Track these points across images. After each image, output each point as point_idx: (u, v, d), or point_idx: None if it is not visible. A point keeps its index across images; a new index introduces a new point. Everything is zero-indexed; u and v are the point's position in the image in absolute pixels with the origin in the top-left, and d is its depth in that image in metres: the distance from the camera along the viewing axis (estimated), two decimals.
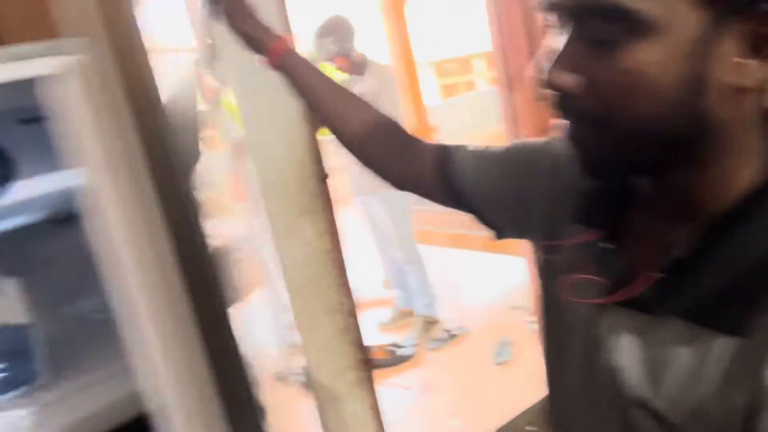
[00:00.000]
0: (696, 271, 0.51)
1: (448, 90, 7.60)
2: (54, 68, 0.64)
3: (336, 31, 3.12)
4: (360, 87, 3.18)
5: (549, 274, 0.70)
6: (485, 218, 0.82)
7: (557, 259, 0.67)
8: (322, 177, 1.77)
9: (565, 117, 0.54)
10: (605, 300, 0.58)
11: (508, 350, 2.99)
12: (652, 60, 0.47)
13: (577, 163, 0.55)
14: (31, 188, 1.27)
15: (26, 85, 0.89)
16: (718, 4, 0.46)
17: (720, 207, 0.52)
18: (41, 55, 0.88)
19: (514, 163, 0.77)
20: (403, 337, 3.32)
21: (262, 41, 0.93)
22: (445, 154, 0.83)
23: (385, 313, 3.65)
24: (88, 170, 0.58)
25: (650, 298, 0.54)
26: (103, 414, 0.95)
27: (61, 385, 1.07)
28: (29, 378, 1.07)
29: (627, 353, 0.56)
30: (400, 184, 0.91)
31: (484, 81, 7.86)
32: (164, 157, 0.41)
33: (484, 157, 0.81)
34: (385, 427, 1.90)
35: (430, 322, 3.38)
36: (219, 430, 0.51)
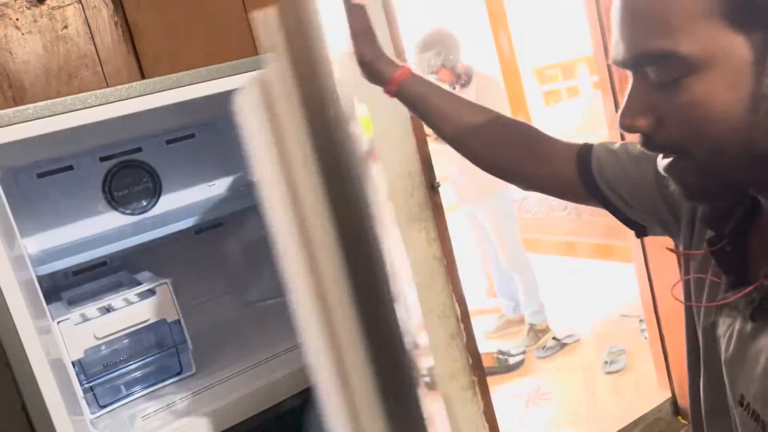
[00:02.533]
0: None
1: (552, 96, 7.47)
2: (237, 85, 0.75)
3: (439, 44, 3.18)
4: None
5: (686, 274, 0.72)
6: (625, 216, 0.82)
7: (691, 263, 0.69)
8: (432, 186, 1.84)
9: (654, 152, 0.59)
10: (720, 302, 0.61)
11: (620, 359, 2.92)
12: (712, 89, 0.51)
13: (679, 193, 0.59)
14: (177, 200, 1.41)
15: (173, 109, 1.01)
16: (759, 27, 0.49)
17: None
18: (225, 74, 1.00)
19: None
20: (511, 345, 3.31)
21: (383, 72, 0.95)
22: (584, 149, 0.84)
23: (491, 321, 3.65)
24: (263, 173, 0.66)
25: (749, 302, 0.57)
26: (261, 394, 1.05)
27: (209, 373, 1.18)
28: (182, 368, 1.19)
29: (732, 353, 0.60)
30: (533, 184, 0.93)
31: (588, 85, 7.67)
32: (336, 165, 0.47)
33: (623, 153, 0.81)
34: None
35: (540, 330, 3.35)
36: (375, 409, 0.57)
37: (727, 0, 0.49)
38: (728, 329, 0.61)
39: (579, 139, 0.88)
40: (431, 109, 0.95)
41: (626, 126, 0.56)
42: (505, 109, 3.27)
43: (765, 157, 0.52)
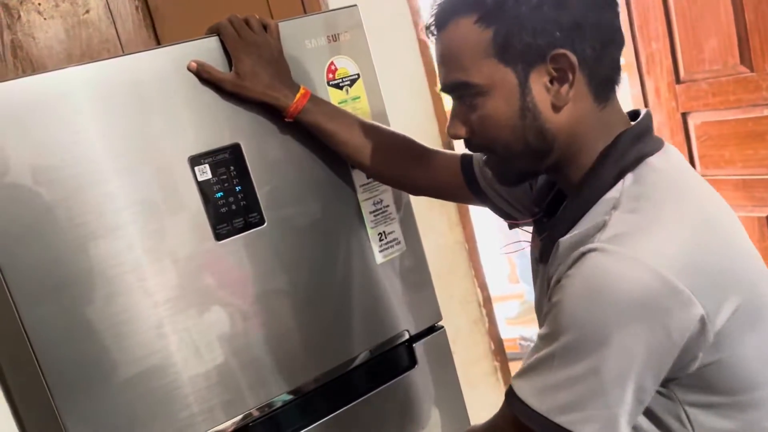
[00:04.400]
0: (552, 228, 0.78)
1: None
2: None
3: None
4: None
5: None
6: (503, 210, 1.02)
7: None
8: None
9: (472, 152, 0.87)
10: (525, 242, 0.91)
11: None
12: (496, 105, 0.73)
13: (493, 179, 0.87)
14: None
15: None
16: (519, 60, 0.71)
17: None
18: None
19: None
20: (533, 331, 3.29)
21: (278, 105, 0.99)
22: (465, 157, 1.03)
23: (512, 307, 3.63)
24: None
25: (541, 249, 0.81)
26: None
27: None
28: None
29: (537, 290, 0.85)
30: (423, 191, 1.12)
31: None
32: None
33: None
34: None
35: None
36: None
37: (496, 44, 0.70)
38: (536, 276, 0.85)
39: None
40: (326, 137, 1.04)
41: (451, 135, 0.78)
42: None
43: (536, 150, 0.75)
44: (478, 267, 1.86)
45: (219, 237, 0.99)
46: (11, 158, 0.85)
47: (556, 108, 0.73)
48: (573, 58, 0.69)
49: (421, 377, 1.21)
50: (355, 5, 1.10)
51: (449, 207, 1.83)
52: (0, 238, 0.85)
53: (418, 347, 1.20)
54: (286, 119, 1.01)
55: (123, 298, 0.93)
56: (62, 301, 0.89)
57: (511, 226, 0.98)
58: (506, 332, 3.25)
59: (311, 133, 1.04)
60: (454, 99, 0.78)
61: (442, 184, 1.07)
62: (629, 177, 0.72)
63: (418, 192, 1.13)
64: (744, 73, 1.93)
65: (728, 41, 1.93)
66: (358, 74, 1.10)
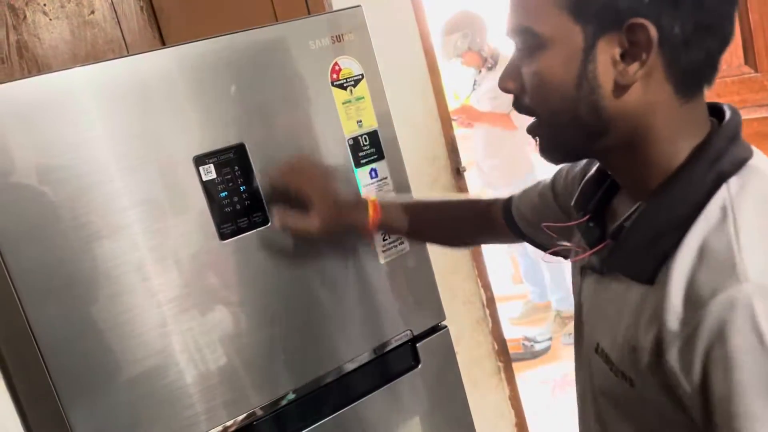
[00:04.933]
0: (627, 235, 0.66)
1: None
2: None
3: (465, 26, 3.14)
4: (491, 81, 3.18)
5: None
6: (535, 242, 0.98)
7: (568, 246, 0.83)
8: (458, 170, 1.82)
9: (518, 112, 0.71)
10: (575, 259, 0.79)
11: None
12: (551, 64, 0.64)
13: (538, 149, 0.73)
14: None
15: None
16: (592, 21, 0.61)
17: (655, 184, 0.65)
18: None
19: (548, 190, 0.93)
20: (537, 332, 3.29)
21: (356, 226, 1.07)
22: (507, 200, 1.02)
23: (515, 308, 3.63)
24: None
25: (601, 260, 0.70)
26: None
27: None
28: None
29: (586, 307, 0.75)
30: (482, 242, 1.20)
31: None
32: None
33: (531, 190, 0.98)
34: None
35: (566, 317, 3.32)
36: None
37: None
38: (588, 287, 0.75)
39: None
40: (406, 233, 1.12)
41: (502, 87, 0.69)
42: None
43: (587, 128, 0.65)
44: (481, 267, 1.86)
45: (223, 236, 0.99)
46: (16, 158, 0.86)
47: (619, 87, 0.62)
48: (653, 32, 0.59)
49: (424, 377, 1.21)
50: (359, 6, 1.11)
51: None
52: (6, 238, 0.86)
53: (421, 347, 1.20)
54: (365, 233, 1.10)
55: (127, 297, 0.93)
56: (67, 301, 0.90)
57: (553, 253, 0.88)
58: (510, 332, 3.26)
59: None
60: (516, 47, 0.68)
61: (492, 232, 1.08)
62: (733, 183, 0.61)
63: (488, 243, 1.25)
64: (748, 73, 1.93)
65: (733, 42, 1.93)
66: (362, 74, 1.10)
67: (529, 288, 3.59)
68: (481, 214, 1.08)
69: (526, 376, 2.95)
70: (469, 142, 3.30)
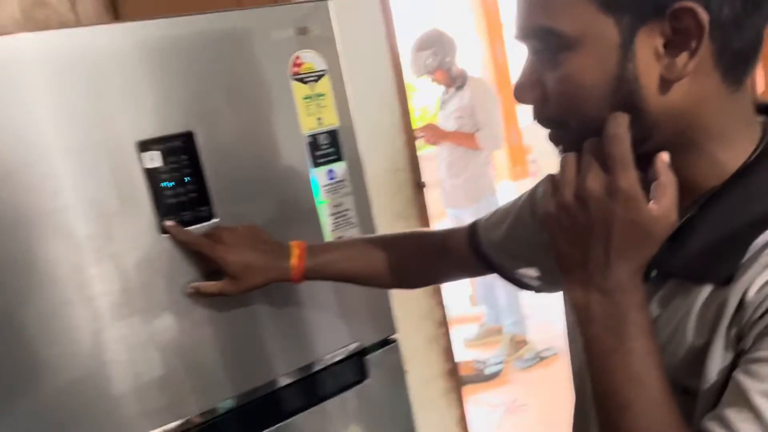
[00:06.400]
0: (684, 237, 0.59)
1: None
2: None
3: (436, 44, 3.14)
4: (458, 101, 3.19)
5: None
6: (507, 275, 0.90)
7: None
8: (419, 184, 1.79)
9: (540, 124, 0.62)
10: None
11: None
12: (583, 66, 0.55)
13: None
14: None
15: None
16: (628, 11, 0.52)
17: (713, 184, 0.59)
18: None
19: (520, 214, 0.87)
20: (490, 355, 3.26)
21: (280, 278, 0.93)
22: (472, 226, 0.93)
23: (471, 329, 3.61)
24: None
25: (655, 262, 0.59)
26: None
27: None
28: None
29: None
30: (442, 279, 1.09)
31: None
32: None
33: (499, 214, 0.90)
34: None
35: (519, 341, 3.30)
36: None
37: None
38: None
39: None
40: (337, 276, 0.98)
41: (519, 98, 0.61)
42: (497, 116, 3.23)
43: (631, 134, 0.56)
44: (437, 286, 1.82)
45: (164, 230, 0.93)
46: None
47: (666, 84, 0.54)
48: (704, 16, 0.50)
49: (371, 392, 1.16)
50: (326, 0, 1.07)
51: (413, 220, 1.79)
52: None
53: (370, 359, 1.15)
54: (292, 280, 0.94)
55: (56, 288, 0.86)
56: None
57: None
58: (463, 355, 3.22)
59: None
60: (529, 51, 0.60)
61: (454, 264, 0.97)
62: None
63: (447, 281, 1.08)
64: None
65: None
66: (325, 71, 1.06)
67: (484, 309, 3.58)
68: (438, 247, 0.99)
69: (476, 398, 2.92)
70: (433, 162, 3.30)
